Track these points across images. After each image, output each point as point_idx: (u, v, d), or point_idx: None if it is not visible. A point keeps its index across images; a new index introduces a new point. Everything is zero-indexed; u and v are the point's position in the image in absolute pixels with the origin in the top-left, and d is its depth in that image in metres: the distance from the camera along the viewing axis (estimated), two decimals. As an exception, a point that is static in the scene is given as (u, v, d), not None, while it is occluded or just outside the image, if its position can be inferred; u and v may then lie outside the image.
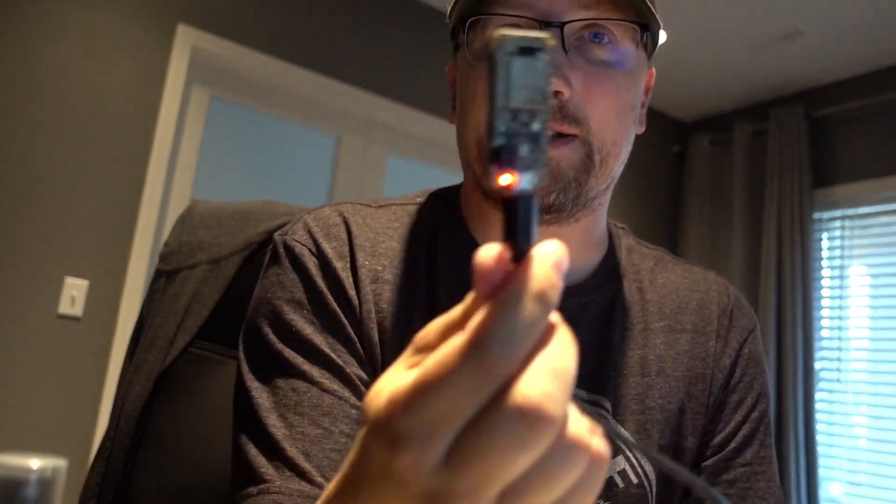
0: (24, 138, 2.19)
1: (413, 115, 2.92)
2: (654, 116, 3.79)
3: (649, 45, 0.67)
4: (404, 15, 2.96)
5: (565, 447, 0.26)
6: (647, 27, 0.64)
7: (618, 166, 0.66)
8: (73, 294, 2.22)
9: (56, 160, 2.23)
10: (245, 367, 0.63)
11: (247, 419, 0.60)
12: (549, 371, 0.25)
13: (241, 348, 0.65)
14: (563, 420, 0.25)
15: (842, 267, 3.22)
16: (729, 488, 0.67)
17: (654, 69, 0.73)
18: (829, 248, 3.28)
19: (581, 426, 0.27)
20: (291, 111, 2.77)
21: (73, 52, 2.28)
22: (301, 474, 0.56)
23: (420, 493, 0.26)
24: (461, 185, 0.75)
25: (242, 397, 0.61)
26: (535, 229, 0.28)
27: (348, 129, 2.89)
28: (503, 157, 0.28)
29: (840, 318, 3.16)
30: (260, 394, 0.60)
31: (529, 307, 0.25)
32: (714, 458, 0.68)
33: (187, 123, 2.55)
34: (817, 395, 3.12)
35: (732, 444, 0.69)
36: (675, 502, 0.67)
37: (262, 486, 0.55)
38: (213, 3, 2.55)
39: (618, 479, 0.64)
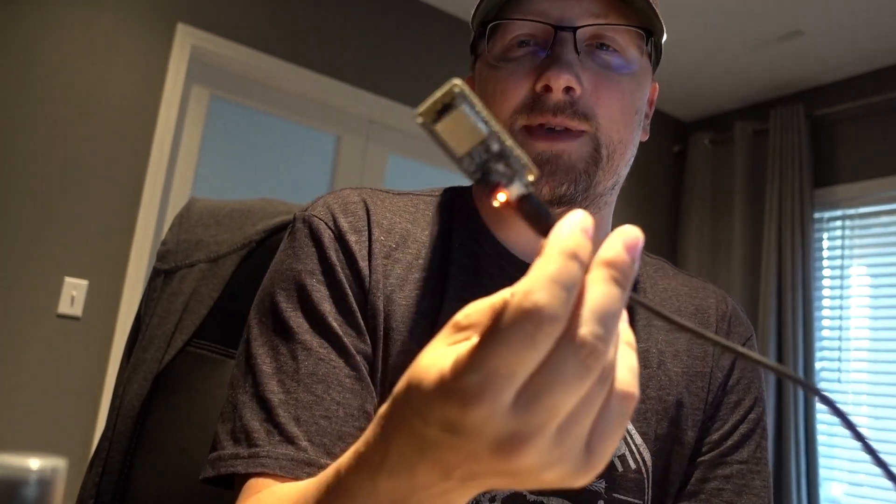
0: (24, 138, 2.18)
1: (413, 114, 2.92)
2: (655, 116, 3.78)
3: (653, 55, 0.72)
4: (404, 15, 2.96)
5: (606, 375, 0.31)
6: (651, 32, 0.69)
7: (623, 166, 0.70)
8: (73, 294, 2.22)
9: (56, 160, 2.23)
10: (254, 332, 0.65)
11: (246, 381, 0.62)
12: (598, 317, 0.30)
13: (252, 313, 0.67)
14: (609, 356, 0.30)
15: (842, 267, 3.21)
16: (725, 483, 0.69)
17: (657, 84, 0.77)
18: (830, 248, 3.28)
19: (614, 361, 0.31)
20: (291, 111, 2.77)
21: (72, 51, 2.28)
22: (289, 439, 0.58)
23: (492, 440, 0.30)
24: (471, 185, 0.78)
25: (247, 359, 0.64)
26: (550, 210, 0.33)
27: (348, 128, 2.89)
28: (487, 186, 0.32)
29: (840, 318, 3.16)
30: (263, 359, 0.63)
31: (565, 264, 0.30)
32: (711, 454, 0.70)
33: (187, 123, 2.55)
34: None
35: (729, 442, 0.71)
36: (672, 493, 0.69)
37: (252, 449, 0.58)
38: (212, 2, 2.55)
39: (617, 463, 0.66)
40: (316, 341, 0.62)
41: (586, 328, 0.30)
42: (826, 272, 3.26)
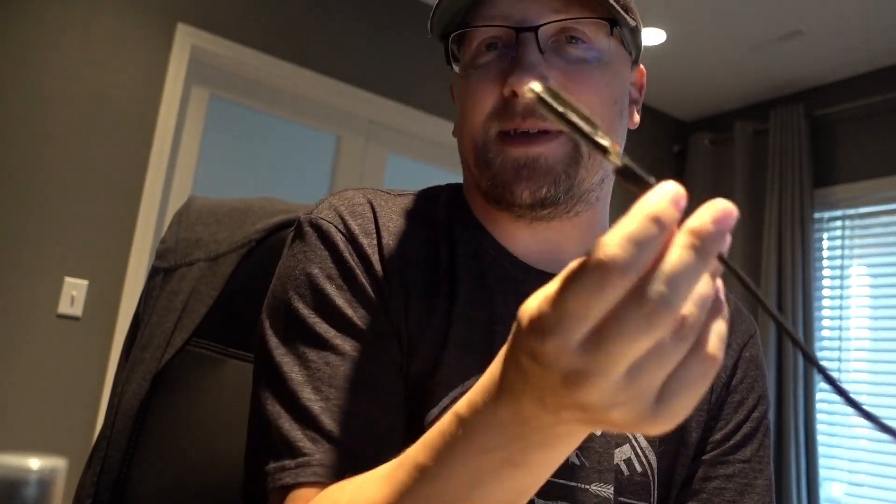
0: (24, 138, 2.18)
1: (413, 115, 2.92)
2: (654, 116, 3.79)
3: (627, 40, 0.70)
4: (405, 15, 2.96)
5: (682, 334, 0.32)
6: (615, 22, 0.67)
7: None
8: (73, 294, 2.22)
9: (56, 160, 2.23)
10: (273, 342, 0.63)
11: (278, 392, 0.60)
12: (666, 277, 0.32)
13: (265, 323, 0.65)
14: (677, 315, 0.32)
15: (842, 267, 3.21)
16: (727, 482, 0.68)
17: (643, 67, 0.75)
18: (829, 248, 3.28)
19: (696, 323, 0.33)
20: (291, 111, 2.77)
21: (72, 51, 2.28)
22: (339, 446, 0.57)
23: (562, 371, 0.33)
24: (461, 184, 0.77)
25: (271, 372, 0.62)
26: (646, 176, 0.35)
27: (348, 128, 2.89)
28: (607, 157, 0.35)
29: (840, 317, 3.16)
30: (291, 368, 0.61)
31: (644, 224, 0.32)
32: (713, 453, 0.69)
33: (187, 123, 2.55)
34: (817, 395, 3.12)
35: (732, 441, 0.70)
36: (673, 495, 0.69)
37: (300, 458, 0.56)
38: (212, 2, 2.55)
39: (623, 468, 0.66)
40: (349, 345, 0.61)
41: (653, 286, 0.32)
42: (826, 272, 3.26)
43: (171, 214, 2.48)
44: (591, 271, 0.32)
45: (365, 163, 2.93)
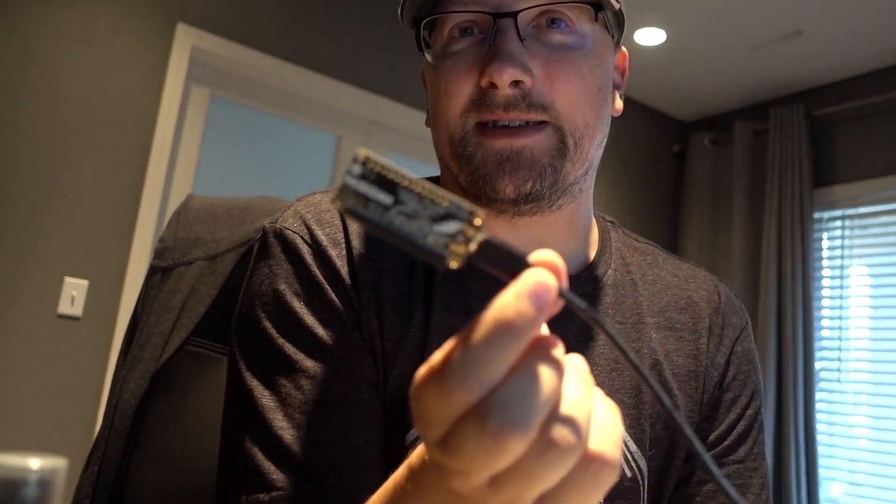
0: (24, 138, 2.18)
1: (413, 115, 2.92)
2: (654, 116, 3.79)
3: (611, 23, 0.66)
4: (404, 14, 2.96)
5: (544, 449, 0.30)
6: (600, 6, 0.63)
7: (594, 149, 0.65)
8: (73, 294, 2.21)
9: (56, 160, 2.23)
10: (242, 366, 0.60)
11: (249, 420, 0.57)
12: (515, 397, 0.29)
13: (234, 344, 0.62)
14: (530, 433, 0.29)
15: (842, 267, 3.21)
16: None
17: (625, 50, 0.71)
18: (829, 248, 3.28)
19: (572, 433, 0.30)
20: (291, 111, 2.77)
21: (73, 51, 2.28)
22: (313, 477, 0.55)
23: (431, 460, 0.33)
24: (439, 176, 0.74)
25: (241, 397, 0.59)
26: (513, 248, 0.31)
27: (348, 129, 2.89)
28: (443, 264, 0.31)
29: (840, 318, 3.16)
30: (262, 392, 0.58)
31: (489, 334, 0.29)
32: (709, 454, 0.68)
33: (187, 123, 2.55)
34: (817, 395, 3.12)
35: (726, 442, 0.68)
36: (667, 496, 0.67)
37: (273, 493, 0.54)
38: (212, 2, 2.55)
39: None
40: (319, 366, 0.58)
41: (490, 405, 0.29)
42: (826, 272, 3.25)
43: (171, 214, 2.48)
44: (436, 383, 0.30)
45: (365, 163, 2.92)
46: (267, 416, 0.56)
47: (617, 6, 0.65)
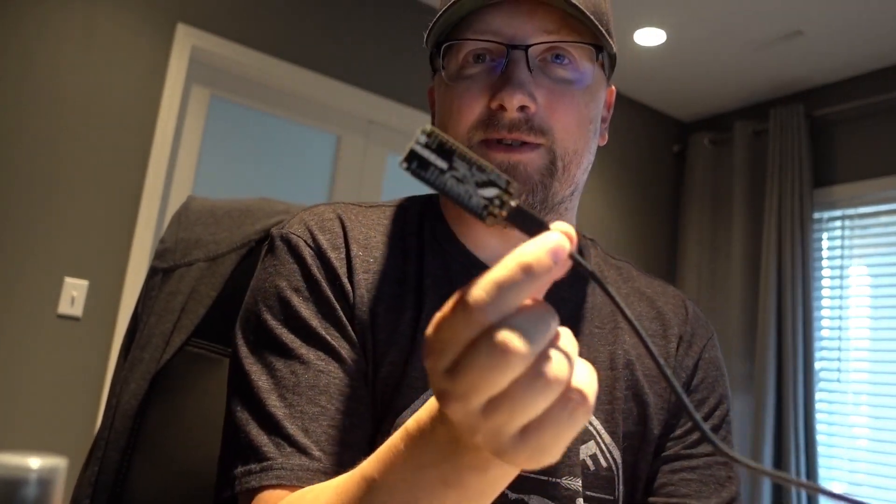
0: (24, 138, 2.18)
1: (413, 115, 2.92)
2: (654, 116, 3.79)
3: (606, 64, 0.74)
4: (404, 15, 2.96)
5: (535, 377, 0.35)
6: (602, 48, 0.71)
7: (580, 174, 0.73)
8: (73, 294, 2.22)
9: (56, 160, 2.23)
10: (243, 351, 0.66)
11: (246, 400, 0.63)
12: (522, 325, 0.34)
13: (238, 333, 0.68)
14: (529, 358, 0.34)
15: (842, 267, 3.21)
16: (691, 474, 0.72)
17: (614, 87, 0.80)
18: (829, 248, 3.28)
19: (560, 368, 0.35)
20: (291, 111, 2.77)
21: (73, 51, 2.28)
22: (301, 450, 0.60)
23: (435, 388, 0.37)
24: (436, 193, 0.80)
25: (241, 379, 0.65)
26: (537, 215, 0.38)
27: (348, 129, 2.89)
28: (482, 221, 0.38)
29: (840, 318, 3.16)
30: (259, 376, 0.64)
31: (513, 272, 0.34)
32: (677, 448, 0.73)
33: (187, 123, 2.55)
34: (817, 395, 3.12)
35: (695, 436, 0.73)
36: (640, 487, 0.72)
37: (264, 463, 0.59)
38: (212, 2, 2.55)
39: (589, 463, 0.69)
40: (313, 354, 0.64)
41: (501, 329, 0.34)
42: (826, 272, 3.26)
43: (172, 214, 2.48)
44: (459, 308, 0.35)
45: (364, 163, 2.93)
46: (263, 396, 0.62)
47: (613, 50, 0.73)
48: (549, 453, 0.37)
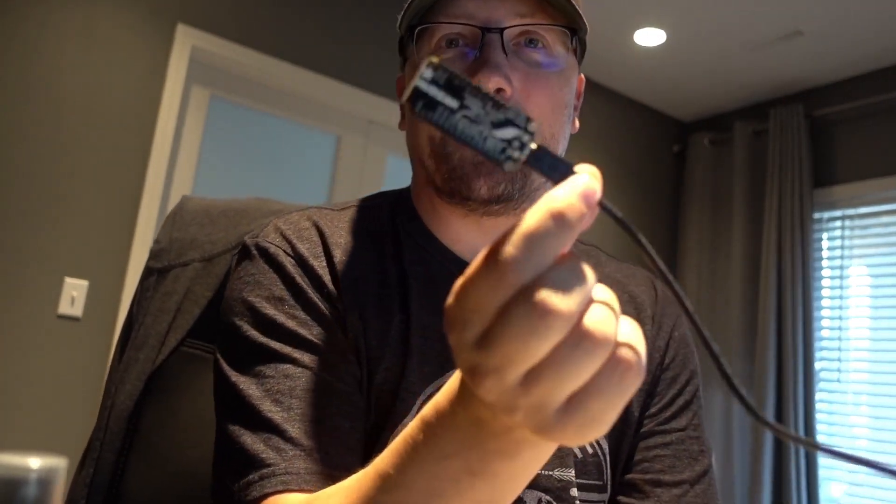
0: (24, 138, 2.18)
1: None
2: (654, 116, 3.79)
3: (578, 50, 0.74)
4: (404, 15, 2.96)
5: (579, 339, 0.31)
6: (575, 31, 0.70)
7: None
8: (73, 294, 2.22)
9: (56, 160, 2.23)
10: (225, 366, 0.64)
11: (237, 411, 0.61)
12: (561, 280, 0.30)
13: (218, 348, 0.66)
14: (572, 318, 0.30)
15: (842, 267, 3.21)
16: (664, 450, 0.72)
17: (583, 76, 0.79)
18: (829, 248, 3.28)
19: (607, 325, 0.31)
20: (291, 111, 2.77)
21: (73, 51, 2.28)
22: (305, 452, 0.57)
23: (464, 365, 0.33)
24: (409, 187, 0.80)
25: (227, 392, 0.62)
26: (562, 158, 0.33)
27: (348, 128, 2.89)
28: (500, 167, 0.33)
29: (840, 318, 3.16)
30: (248, 385, 0.61)
31: (543, 222, 0.31)
32: (651, 425, 0.73)
33: (187, 123, 2.55)
34: (817, 395, 3.12)
35: (668, 412, 0.74)
36: (620, 469, 0.73)
37: (263, 470, 0.56)
38: (212, 3, 2.55)
39: (577, 451, 0.70)
40: (307, 357, 0.62)
41: (539, 287, 0.30)
42: (826, 272, 3.25)
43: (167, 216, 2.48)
44: (488, 268, 0.31)
45: (364, 163, 2.93)
46: (254, 403, 0.60)
47: (585, 33, 0.73)
48: (599, 424, 0.32)
